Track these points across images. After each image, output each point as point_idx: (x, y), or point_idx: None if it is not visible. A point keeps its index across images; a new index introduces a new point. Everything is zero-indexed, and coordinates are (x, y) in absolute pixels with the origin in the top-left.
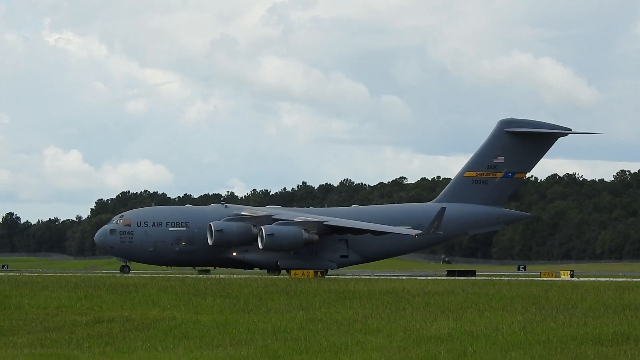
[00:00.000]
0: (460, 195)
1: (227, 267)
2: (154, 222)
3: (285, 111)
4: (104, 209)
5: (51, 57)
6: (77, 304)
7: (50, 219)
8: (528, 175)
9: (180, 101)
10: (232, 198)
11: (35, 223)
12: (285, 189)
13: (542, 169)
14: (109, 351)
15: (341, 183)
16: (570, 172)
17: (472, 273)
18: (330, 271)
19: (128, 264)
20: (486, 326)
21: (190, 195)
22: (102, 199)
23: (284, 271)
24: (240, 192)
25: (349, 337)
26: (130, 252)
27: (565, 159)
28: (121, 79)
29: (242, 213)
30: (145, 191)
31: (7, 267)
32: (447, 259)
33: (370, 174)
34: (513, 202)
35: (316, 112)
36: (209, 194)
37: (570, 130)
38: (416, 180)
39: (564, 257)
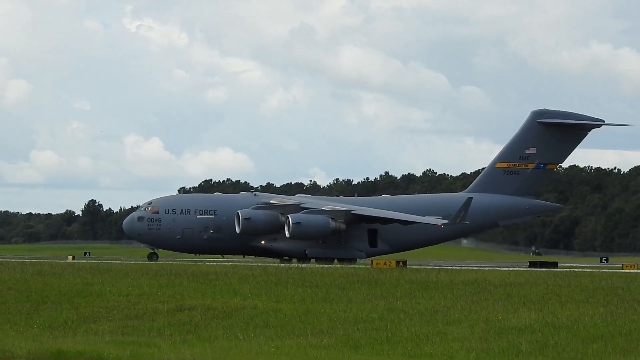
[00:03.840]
0: (491, 185)
1: (255, 255)
2: (182, 210)
3: (365, 100)
4: None
5: (132, 44)
6: (159, 291)
7: (132, 206)
8: (611, 167)
9: (259, 89)
10: (314, 187)
11: (117, 211)
12: (367, 178)
13: (626, 161)
14: (190, 339)
15: (424, 173)
16: None
17: (554, 264)
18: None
19: (156, 251)
20: (568, 318)
21: (273, 184)
22: (184, 187)
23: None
24: (323, 182)
25: (430, 327)
26: (157, 239)
27: None
28: (201, 67)
29: (271, 201)
30: (228, 179)
31: (89, 255)
32: (537, 251)
33: (452, 164)
34: (596, 194)
35: (396, 101)
36: (291, 182)
37: (604, 121)
38: None
39: None
